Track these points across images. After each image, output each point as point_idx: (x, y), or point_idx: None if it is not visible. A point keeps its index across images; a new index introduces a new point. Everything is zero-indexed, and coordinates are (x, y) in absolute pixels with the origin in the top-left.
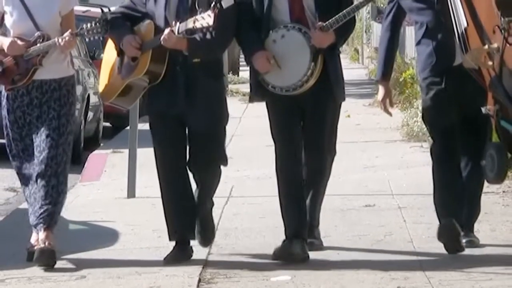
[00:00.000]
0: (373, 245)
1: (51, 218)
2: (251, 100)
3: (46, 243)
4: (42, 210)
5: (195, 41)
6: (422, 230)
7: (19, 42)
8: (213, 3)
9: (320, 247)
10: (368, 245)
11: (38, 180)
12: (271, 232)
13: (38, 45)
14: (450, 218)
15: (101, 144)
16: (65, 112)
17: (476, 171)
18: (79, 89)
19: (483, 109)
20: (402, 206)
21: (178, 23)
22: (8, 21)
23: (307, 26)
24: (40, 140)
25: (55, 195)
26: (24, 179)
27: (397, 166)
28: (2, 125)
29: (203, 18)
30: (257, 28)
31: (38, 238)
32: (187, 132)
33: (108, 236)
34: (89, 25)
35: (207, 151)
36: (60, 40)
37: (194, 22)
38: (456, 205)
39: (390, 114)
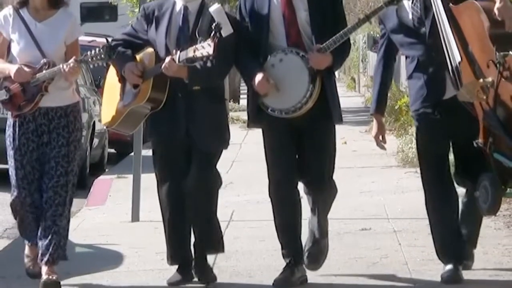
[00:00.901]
0: (369, 267)
1: (58, 251)
2: (249, 125)
3: (51, 277)
4: (49, 242)
5: (195, 69)
6: (417, 253)
7: (25, 68)
8: (213, 32)
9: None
10: (364, 267)
11: (46, 208)
12: (271, 255)
13: (44, 71)
14: (455, 267)
15: (106, 170)
16: (74, 139)
17: (472, 203)
18: (85, 117)
19: (475, 143)
20: (397, 230)
21: (178, 52)
22: (15, 49)
23: (304, 50)
24: (49, 167)
25: (62, 224)
26: (21, 206)
27: (393, 191)
28: (6, 152)
29: (203, 47)
30: (255, 54)
31: (34, 252)
32: (189, 155)
33: (113, 258)
34: (92, 51)
35: (205, 172)
36: (65, 66)
37: (194, 51)
38: (456, 242)
39: (384, 148)
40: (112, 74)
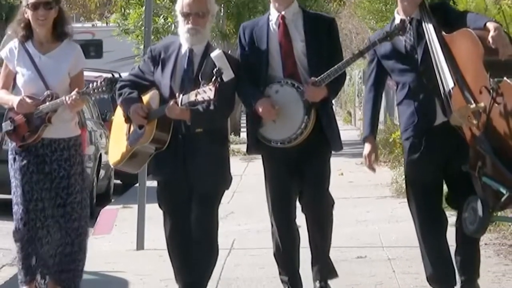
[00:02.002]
0: None
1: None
2: (248, 152)
3: None
4: (59, 284)
5: (198, 112)
6: (410, 280)
7: (27, 100)
8: (214, 77)
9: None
10: None
11: (52, 245)
12: (270, 281)
13: (47, 103)
14: None
15: (112, 200)
16: (75, 172)
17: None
18: (91, 149)
19: (463, 167)
20: (392, 258)
21: (181, 95)
22: (20, 81)
23: (299, 81)
24: (49, 196)
25: (73, 266)
26: (18, 225)
27: (387, 220)
28: (9, 181)
29: (204, 91)
30: (255, 83)
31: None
32: (191, 195)
33: (119, 285)
34: (94, 84)
35: (208, 217)
36: (67, 98)
37: (196, 95)
38: (446, 269)
39: (374, 170)
40: (119, 115)
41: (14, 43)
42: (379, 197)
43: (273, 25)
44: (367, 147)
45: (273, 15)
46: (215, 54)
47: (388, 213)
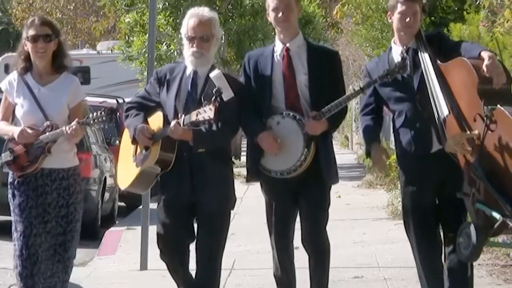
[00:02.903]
0: None
1: None
2: (248, 180)
3: None
4: None
5: (200, 133)
6: None
7: (29, 130)
8: (214, 97)
9: None
10: None
11: (44, 265)
12: None
13: (47, 133)
14: None
15: (117, 222)
16: (73, 201)
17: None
18: (96, 172)
19: (457, 194)
20: (388, 278)
21: (183, 116)
22: (19, 112)
23: (301, 113)
24: (50, 226)
25: (61, 278)
26: (19, 261)
27: (383, 241)
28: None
29: (204, 111)
30: (258, 113)
31: None
32: (196, 216)
33: None
34: (94, 114)
35: (213, 237)
36: (67, 129)
37: (196, 115)
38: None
39: (385, 171)
40: (126, 137)
41: (13, 75)
42: (375, 219)
43: (277, 56)
44: (374, 152)
45: (278, 46)
46: (214, 74)
47: (384, 234)
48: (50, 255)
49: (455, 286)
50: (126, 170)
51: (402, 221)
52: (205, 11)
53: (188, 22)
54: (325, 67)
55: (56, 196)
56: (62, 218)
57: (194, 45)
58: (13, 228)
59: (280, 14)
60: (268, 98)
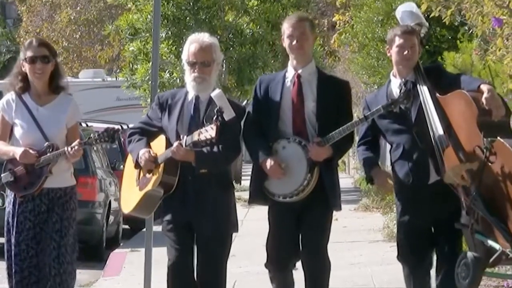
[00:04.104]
0: None
1: None
2: (251, 202)
3: None
4: None
5: (202, 154)
6: None
7: (31, 151)
8: (215, 116)
9: None
10: None
11: (44, 283)
12: None
13: (48, 154)
14: None
15: (121, 244)
16: (67, 216)
17: (450, 278)
18: (101, 196)
19: (456, 224)
20: None
21: (185, 136)
22: (18, 132)
23: (307, 138)
24: (44, 244)
25: None
26: (14, 282)
27: (379, 263)
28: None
29: (206, 130)
30: (264, 137)
31: None
32: (195, 239)
33: None
34: (96, 134)
35: (213, 261)
36: (69, 149)
37: (198, 135)
38: None
39: (391, 191)
40: (130, 162)
41: (11, 95)
42: (372, 241)
43: (288, 81)
44: (378, 177)
45: (290, 72)
46: (215, 93)
47: (380, 256)
48: (46, 272)
49: None
50: (130, 195)
51: (397, 252)
52: (205, 36)
53: (189, 48)
54: (334, 96)
55: (51, 213)
56: (56, 232)
57: (196, 71)
58: (5, 249)
59: (294, 42)
60: (275, 121)
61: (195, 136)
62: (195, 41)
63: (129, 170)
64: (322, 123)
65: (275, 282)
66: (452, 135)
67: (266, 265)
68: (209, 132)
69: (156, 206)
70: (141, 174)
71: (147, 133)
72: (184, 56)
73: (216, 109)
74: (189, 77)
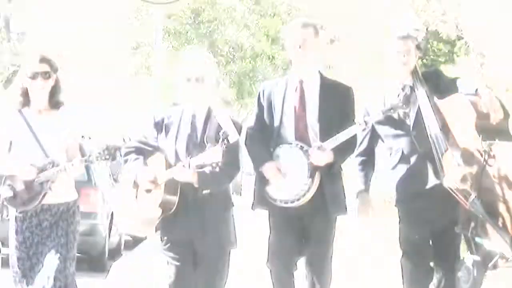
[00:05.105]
0: None
1: None
2: (254, 207)
3: None
4: None
5: (205, 174)
6: None
7: (31, 168)
8: (221, 139)
9: None
10: None
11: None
12: None
13: (48, 170)
14: None
15: (123, 254)
16: (72, 230)
17: (450, 279)
18: (104, 207)
19: (456, 228)
20: None
21: (189, 158)
22: (17, 147)
23: (309, 144)
24: (50, 256)
25: None
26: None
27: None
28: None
29: (211, 153)
30: (266, 143)
31: None
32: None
33: None
34: (97, 152)
35: (216, 277)
36: (70, 165)
37: (203, 158)
38: None
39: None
40: (124, 182)
41: (10, 110)
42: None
43: (290, 88)
44: (361, 203)
45: (293, 79)
46: (220, 116)
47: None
48: (52, 284)
49: None
50: (128, 215)
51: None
52: (201, 51)
53: (185, 62)
54: (337, 101)
55: (55, 228)
56: (62, 246)
57: (191, 86)
58: (12, 261)
59: (299, 48)
60: (278, 127)
61: (200, 159)
62: (189, 55)
63: (125, 189)
64: (324, 129)
65: (276, 282)
66: (451, 139)
67: (268, 264)
68: (214, 155)
69: (155, 225)
70: (140, 193)
71: (143, 152)
72: (180, 71)
73: (221, 132)
74: (185, 93)
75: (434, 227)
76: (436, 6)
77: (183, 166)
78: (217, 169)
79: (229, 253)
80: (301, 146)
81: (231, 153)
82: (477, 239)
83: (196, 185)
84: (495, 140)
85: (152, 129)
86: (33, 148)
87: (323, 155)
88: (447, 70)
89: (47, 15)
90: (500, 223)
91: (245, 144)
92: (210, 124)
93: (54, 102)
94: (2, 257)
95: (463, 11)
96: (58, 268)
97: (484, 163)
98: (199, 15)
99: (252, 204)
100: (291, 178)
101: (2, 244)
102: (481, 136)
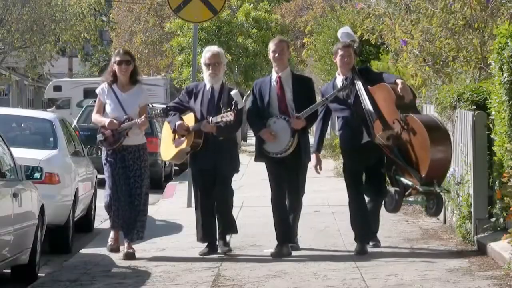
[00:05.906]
0: (317, 233)
1: (137, 235)
2: (256, 160)
3: (130, 250)
4: (133, 230)
5: (221, 127)
6: (346, 225)
7: (115, 121)
8: (233, 107)
9: (297, 248)
10: (315, 232)
11: (129, 208)
12: (268, 226)
13: (126, 123)
14: (362, 243)
15: (173, 179)
16: (143, 165)
17: (377, 201)
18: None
19: (382, 169)
20: (334, 212)
21: (210, 117)
22: (108, 109)
23: (289, 115)
24: (129, 182)
25: (141, 218)
26: (114, 202)
27: (331, 190)
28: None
29: (227, 115)
30: (261, 116)
31: (116, 238)
32: (216, 177)
33: (177, 228)
34: (155, 112)
35: (225, 187)
36: (139, 120)
37: (221, 118)
38: (365, 227)
39: (319, 172)
40: (167, 128)
41: (104, 85)
42: (327, 177)
43: (273, 81)
44: (313, 160)
45: (274, 75)
46: (234, 92)
47: (332, 186)
48: (131, 202)
49: (374, 220)
50: (168, 149)
51: (342, 178)
52: (215, 47)
53: (205, 55)
54: (303, 88)
55: (132, 163)
56: (138, 176)
57: (210, 69)
58: (107, 183)
59: (276, 55)
60: (267, 107)
61: (218, 119)
62: (209, 50)
63: (166, 133)
64: (298, 106)
65: (274, 206)
66: (379, 112)
67: (271, 200)
68: (229, 117)
69: (185, 157)
70: (176, 137)
71: (179, 110)
72: (202, 59)
73: (233, 101)
74: (206, 73)
75: (367, 166)
76: (367, 23)
77: (207, 122)
78: (229, 124)
79: (233, 175)
80: (284, 117)
81: (238, 114)
82: (397, 177)
83: (214, 134)
84: (408, 113)
85: (185, 95)
86: (117, 109)
87: (300, 122)
88: (376, 65)
89: (126, 30)
90: (414, 166)
91: (247, 118)
92: (224, 93)
93: (132, 80)
94: (98, 180)
95: (384, 28)
96: (136, 192)
97: (402, 127)
98: (220, 29)
99: (254, 158)
100: (279, 138)
101: (98, 172)
102: (399, 110)
